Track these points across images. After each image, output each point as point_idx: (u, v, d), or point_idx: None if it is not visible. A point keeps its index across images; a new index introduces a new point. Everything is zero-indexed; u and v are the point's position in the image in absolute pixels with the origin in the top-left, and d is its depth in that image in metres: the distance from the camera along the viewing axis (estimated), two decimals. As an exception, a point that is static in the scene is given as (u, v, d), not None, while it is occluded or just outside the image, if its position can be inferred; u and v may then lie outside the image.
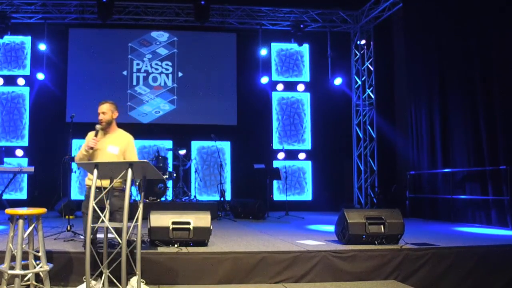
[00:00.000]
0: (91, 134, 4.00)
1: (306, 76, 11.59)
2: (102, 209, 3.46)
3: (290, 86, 11.44)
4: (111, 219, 3.75)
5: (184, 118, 10.87)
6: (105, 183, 3.48)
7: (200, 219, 4.70)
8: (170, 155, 9.95)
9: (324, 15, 11.14)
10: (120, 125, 4.18)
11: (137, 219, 3.35)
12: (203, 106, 11.00)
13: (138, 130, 10.51)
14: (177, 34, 11.20)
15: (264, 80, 11.08)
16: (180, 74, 11.14)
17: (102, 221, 3.36)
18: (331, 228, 5.79)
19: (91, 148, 3.85)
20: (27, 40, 10.74)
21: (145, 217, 4.24)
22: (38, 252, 3.50)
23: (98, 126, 3.92)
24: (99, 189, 3.45)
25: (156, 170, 3.55)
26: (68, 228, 5.37)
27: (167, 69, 11.15)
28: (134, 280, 3.67)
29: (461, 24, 7.99)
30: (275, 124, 11.42)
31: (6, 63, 10.67)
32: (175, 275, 4.14)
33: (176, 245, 4.55)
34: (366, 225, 4.75)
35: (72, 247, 4.38)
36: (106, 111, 3.96)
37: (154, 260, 4.18)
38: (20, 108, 10.66)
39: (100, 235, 3.98)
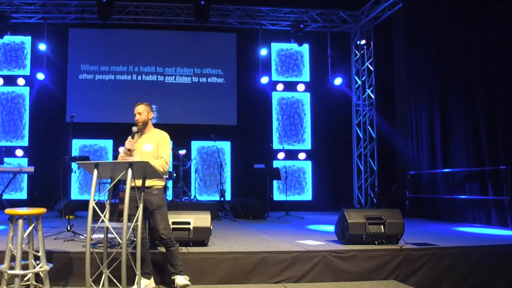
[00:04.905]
0: (129, 137, 4.06)
1: (306, 76, 11.59)
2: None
3: (290, 86, 11.44)
4: (151, 217, 3.91)
5: (184, 118, 10.85)
6: (138, 183, 3.50)
7: (200, 219, 4.71)
8: (170, 155, 9.93)
9: (324, 15, 11.14)
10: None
11: (137, 219, 3.35)
12: (203, 106, 10.99)
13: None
14: (177, 34, 11.19)
15: (264, 80, 11.08)
16: (180, 74, 11.13)
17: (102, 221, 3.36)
18: (331, 228, 5.79)
19: (129, 150, 3.90)
20: (27, 40, 10.74)
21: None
22: (38, 252, 3.50)
23: (134, 128, 3.95)
24: (133, 188, 3.49)
25: (156, 170, 3.55)
26: (68, 228, 5.38)
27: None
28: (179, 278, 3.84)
29: (461, 23, 7.99)
30: (275, 124, 11.41)
31: (6, 63, 10.67)
32: (175, 275, 4.14)
33: (176, 245, 4.55)
34: (366, 225, 4.76)
35: (72, 247, 4.38)
36: (142, 111, 4.00)
37: (154, 260, 4.19)
38: (20, 108, 10.66)
39: (99, 235, 3.97)
